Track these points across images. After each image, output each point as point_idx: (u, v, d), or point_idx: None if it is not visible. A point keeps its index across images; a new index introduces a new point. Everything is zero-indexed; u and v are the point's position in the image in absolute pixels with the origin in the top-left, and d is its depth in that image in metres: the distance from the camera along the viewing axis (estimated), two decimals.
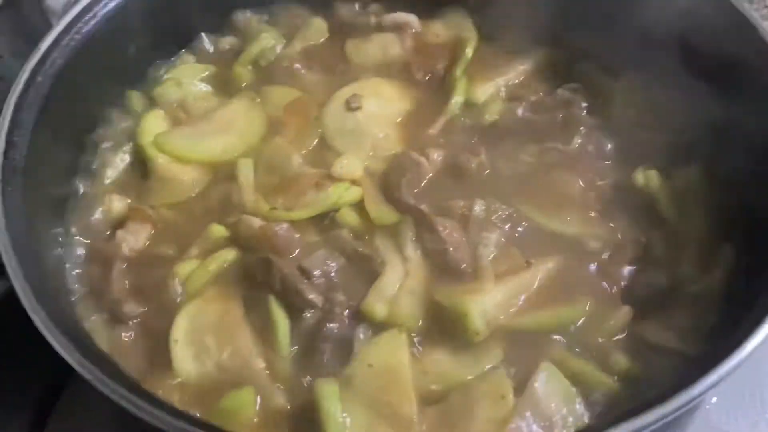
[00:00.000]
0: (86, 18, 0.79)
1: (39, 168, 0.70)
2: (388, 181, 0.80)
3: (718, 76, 0.75)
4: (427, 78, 0.91)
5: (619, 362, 0.67)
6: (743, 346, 0.53)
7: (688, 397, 0.51)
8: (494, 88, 0.89)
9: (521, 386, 0.63)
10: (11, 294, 0.82)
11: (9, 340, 0.82)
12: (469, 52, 0.91)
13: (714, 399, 0.89)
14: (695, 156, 0.78)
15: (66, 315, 0.61)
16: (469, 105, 0.88)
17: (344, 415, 0.61)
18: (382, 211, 0.78)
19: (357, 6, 0.97)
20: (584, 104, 0.83)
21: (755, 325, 0.54)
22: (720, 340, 0.58)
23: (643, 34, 0.81)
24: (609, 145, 0.80)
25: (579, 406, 0.63)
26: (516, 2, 0.88)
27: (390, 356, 0.66)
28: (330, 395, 0.62)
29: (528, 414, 0.61)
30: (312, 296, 0.69)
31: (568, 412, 0.62)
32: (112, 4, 0.81)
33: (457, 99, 0.88)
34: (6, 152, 0.67)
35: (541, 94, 0.86)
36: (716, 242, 0.72)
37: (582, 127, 0.80)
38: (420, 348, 0.68)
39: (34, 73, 0.73)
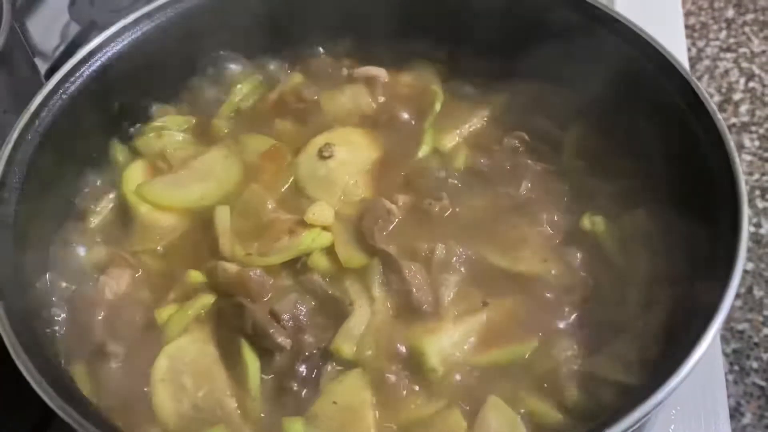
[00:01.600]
0: (72, 78, 0.84)
1: (27, 221, 0.75)
2: (361, 227, 0.84)
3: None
4: (395, 127, 0.96)
5: (569, 395, 0.71)
6: (672, 379, 0.58)
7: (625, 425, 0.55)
8: (459, 137, 0.94)
9: (473, 420, 0.68)
10: None
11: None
12: (437, 106, 0.96)
13: (672, 426, 0.94)
14: (642, 199, 0.83)
15: (50, 362, 0.66)
16: (435, 153, 0.93)
17: None
18: (351, 255, 0.83)
19: (330, 60, 1.03)
20: (533, 152, 0.88)
21: (681, 361, 0.59)
22: (658, 373, 0.63)
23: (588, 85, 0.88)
24: (557, 191, 0.85)
25: None
26: (476, 54, 0.94)
27: (353, 395, 0.71)
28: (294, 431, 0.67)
29: None
30: (280, 339, 0.73)
31: None
32: (97, 64, 0.86)
33: (424, 148, 0.93)
34: None
35: (498, 141, 0.92)
36: (660, 282, 0.77)
37: (529, 174, 0.86)
38: (382, 385, 0.72)
39: (24, 131, 0.78)
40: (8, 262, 0.70)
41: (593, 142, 0.90)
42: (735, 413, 2.00)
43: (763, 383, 2.05)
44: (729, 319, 2.20)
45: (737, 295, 2.22)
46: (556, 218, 0.84)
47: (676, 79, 0.79)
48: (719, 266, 0.66)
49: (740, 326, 2.19)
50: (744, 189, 0.69)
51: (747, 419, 1.99)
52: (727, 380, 2.06)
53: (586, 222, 0.82)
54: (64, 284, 0.82)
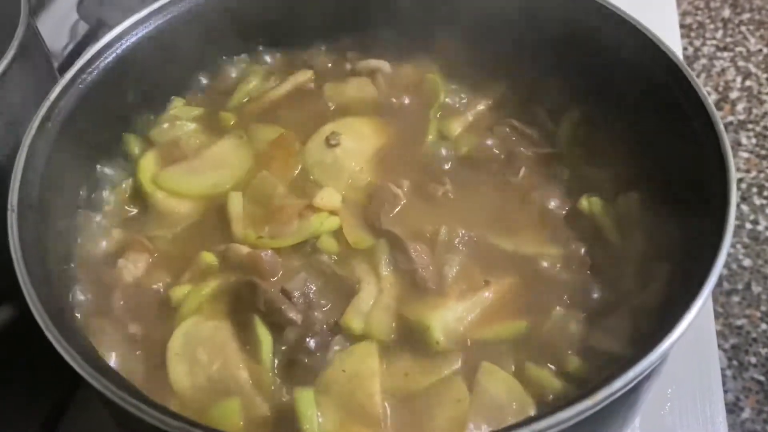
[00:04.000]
0: (89, 69, 0.88)
1: (49, 204, 0.78)
2: (368, 210, 0.88)
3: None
4: (398, 116, 1.00)
5: (569, 366, 0.74)
6: (656, 348, 0.61)
7: (609, 390, 0.58)
8: (462, 124, 0.98)
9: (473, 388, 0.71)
10: (19, 320, 0.92)
11: (19, 362, 0.91)
12: (442, 95, 1.00)
13: (668, 405, 0.98)
14: (636, 184, 0.87)
15: (76, 335, 0.69)
16: (439, 140, 0.97)
17: (318, 414, 0.70)
18: (359, 237, 0.86)
19: (333, 55, 1.06)
20: (529, 139, 0.92)
21: (667, 333, 0.62)
22: (651, 344, 0.66)
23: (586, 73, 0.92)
24: (555, 176, 0.89)
25: (524, 396, 0.71)
26: (473, 47, 0.98)
27: (361, 363, 0.74)
28: (306, 400, 0.70)
29: (481, 410, 0.69)
30: (292, 315, 0.77)
31: (515, 403, 0.70)
32: (112, 56, 0.90)
33: (429, 136, 0.97)
34: (20, 190, 0.75)
35: (496, 128, 0.96)
36: (654, 260, 0.80)
37: (525, 161, 0.90)
38: (389, 357, 0.76)
39: (44, 120, 0.82)
40: (33, 243, 0.73)
41: (589, 130, 0.94)
42: (734, 408, 2.02)
43: (761, 378, 2.07)
44: (727, 314, 2.23)
45: (735, 291, 2.25)
46: (554, 201, 0.87)
47: (666, 65, 0.82)
48: (709, 242, 0.69)
49: (738, 322, 2.21)
50: (733, 169, 0.72)
51: (746, 414, 2.02)
52: (725, 375, 2.10)
53: (584, 203, 0.86)
54: (83, 267, 0.86)
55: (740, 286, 2.30)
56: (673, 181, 0.82)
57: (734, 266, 2.35)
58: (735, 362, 2.14)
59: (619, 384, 0.59)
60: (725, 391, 2.08)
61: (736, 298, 2.27)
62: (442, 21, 1.01)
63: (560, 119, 0.95)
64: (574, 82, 0.95)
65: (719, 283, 2.29)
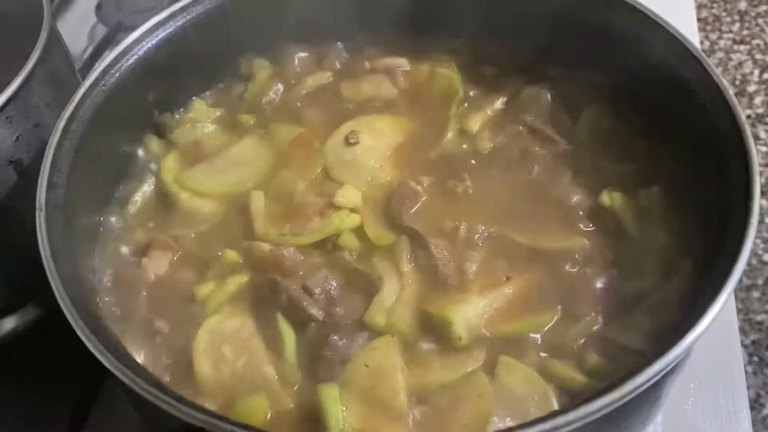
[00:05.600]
0: (111, 72, 0.89)
1: (75, 204, 0.80)
2: (389, 207, 0.89)
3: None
4: (416, 113, 1.00)
5: (590, 361, 0.75)
6: (682, 341, 0.61)
7: (634, 384, 0.59)
8: (480, 121, 0.98)
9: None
10: (44, 319, 0.93)
11: (45, 360, 0.93)
12: (461, 91, 1.00)
13: (691, 400, 0.98)
14: (658, 178, 0.87)
15: (103, 330, 0.70)
16: (458, 137, 0.97)
17: (343, 408, 0.71)
18: (380, 233, 0.87)
19: (351, 54, 1.07)
20: (547, 135, 0.92)
21: (691, 326, 0.62)
22: (671, 340, 0.66)
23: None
24: (573, 172, 0.89)
25: (546, 388, 0.72)
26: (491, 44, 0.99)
27: (384, 358, 0.75)
28: (331, 397, 0.71)
29: (503, 403, 0.70)
30: (314, 311, 0.78)
31: (536, 395, 0.71)
32: (133, 58, 0.91)
33: (450, 134, 0.97)
34: (47, 191, 0.76)
35: (518, 126, 0.96)
36: (676, 255, 0.80)
37: (541, 157, 0.90)
38: (411, 352, 0.76)
39: (69, 121, 0.83)
40: (61, 241, 0.74)
41: (610, 125, 0.93)
42: (755, 405, 2.01)
43: None
44: (747, 310, 2.21)
45: (755, 287, 2.24)
46: (575, 196, 0.87)
47: (688, 59, 0.82)
48: (731, 238, 0.69)
49: (759, 317, 2.20)
50: (756, 163, 0.72)
51: (767, 410, 2.00)
52: (746, 372, 2.07)
53: (605, 198, 0.85)
54: (109, 266, 0.87)
55: (760, 281, 2.28)
56: (695, 174, 0.82)
57: (754, 261, 2.33)
58: (756, 358, 2.12)
59: (644, 377, 0.59)
60: (747, 388, 2.06)
61: (756, 294, 2.25)
62: (459, 18, 1.01)
63: (579, 115, 0.95)
64: (594, 78, 0.95)
65: (739, 279, 2.28)
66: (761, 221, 2.43)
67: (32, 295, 0.97)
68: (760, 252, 2.35)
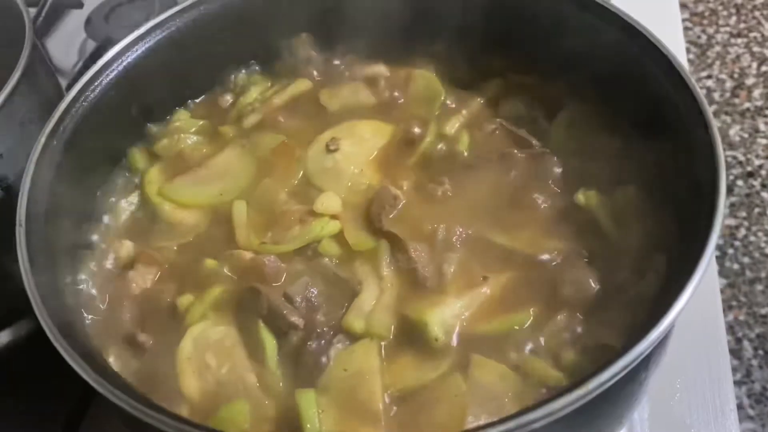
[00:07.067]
0: (93, 87, 0.91)
1: (56, 219, 0.81)
2: (369, 212, 0.90)
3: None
4: (396, 118, 1.01)
5: (567, 358, 0.75)
6: (646, 338, 0.61)
7: (600, 380, 0.59)
8: (459, 124, 0.99)
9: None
10: (36, 335, 0.95)
11: (38, 375, 0.94)
12: (441, 98, 1.02)
13: (677, 395, 0.98)
14: (632, 176, 0.87)
15: (84, 345, 0.71)
16: (436, 140, 0.98)
17: (319, 412, 0.72)
18: (360, 239, 0.88)
19: (330, 61, 1.08)
20: (522, 137, 0.93)
21: (658, 320, 0.62)
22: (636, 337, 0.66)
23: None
24: (549, 173, 0.90)
25: (520, 386, 0.72)
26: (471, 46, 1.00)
27: (362, 362, 0.76)
28: (306, 401, 0.72)
29: (478, 402, 0.70)
30: (294, 319, 0.78)
31: (512, 393, 0.72)
32: (113, 74, 0.93)
33: (429, 138, 0.98)
34: (28, 206, 0.78)
35: (495, 128, 0.97)
36: (651, 252, 0.81)
37: (518, 158, 0.91)
38: (389, 354, 0.77)
39: (50, 136, 0.84)
40: (42, 256, 0.76)
41: (584, 126, 0.94)
42: (761, 398, 2.00)
43: None
44: (751, 303, 2.20)
45: (759, 280, 2.23)
46: (551, 196, 0.88)
47: (655, 58, 0.83)
48: (701, 230, 0.70)
49: (763, 311, 2.19)
50: (721, 152, 0.72)
51: None
52: (751, 365, 2.08)
53: (581, 197, 0.86)
54: (92, 280, 0.88)
55: (763, 274, 2.28)
56: (667, 171, 0.82)
57: (757, 254, 2.32)
58: (761, 351, 2.11)
59: (609, 374, 0.59)
60: (752, 381, 2.06)
61: (759, 287, 2.25)
62: (435, 23, 1.02)
63: (555, 116, 0.96)
64: (569, 80, 0.95)
65: (742, 272, 2.27)
66: (762, 214, 2.42)
67: (25, 310, 0.98)
68: (762, 245, 2.34)
